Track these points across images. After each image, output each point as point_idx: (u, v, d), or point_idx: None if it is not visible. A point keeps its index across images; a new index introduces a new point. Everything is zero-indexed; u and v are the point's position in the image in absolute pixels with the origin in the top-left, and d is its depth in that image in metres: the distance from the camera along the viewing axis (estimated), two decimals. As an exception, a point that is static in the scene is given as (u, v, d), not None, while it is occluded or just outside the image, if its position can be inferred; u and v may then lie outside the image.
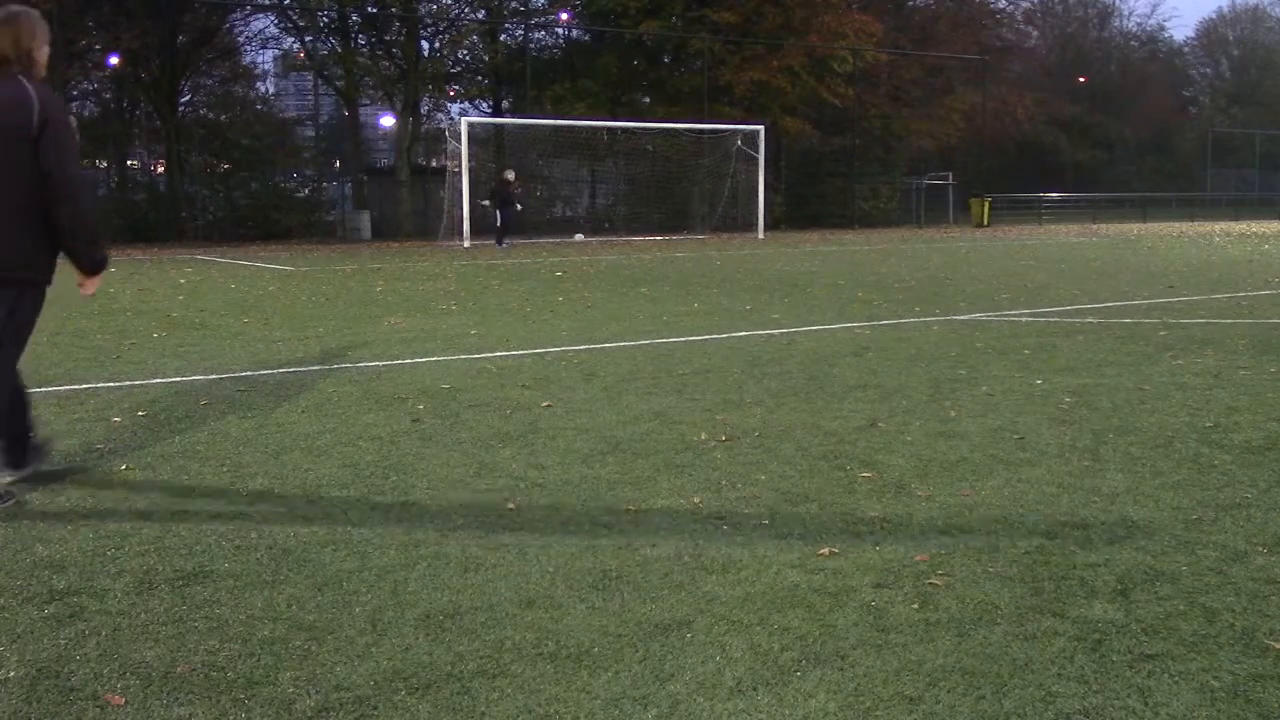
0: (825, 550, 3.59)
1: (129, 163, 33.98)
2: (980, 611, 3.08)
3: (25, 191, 4.14)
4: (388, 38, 34.90)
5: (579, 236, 30.31)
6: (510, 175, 26.49)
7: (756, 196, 31.65)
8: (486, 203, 26.82)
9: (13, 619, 3.06)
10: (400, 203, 34.03)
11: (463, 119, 28.68)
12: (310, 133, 37.46)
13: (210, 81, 35.33)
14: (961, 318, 10.26)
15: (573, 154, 34.37)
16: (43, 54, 4.34)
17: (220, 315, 10.81)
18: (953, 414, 5.75)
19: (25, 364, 7.54)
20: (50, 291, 4.36)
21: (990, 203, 40.70)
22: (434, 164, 37.07)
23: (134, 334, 9.32)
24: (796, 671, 2.71)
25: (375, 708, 2.54)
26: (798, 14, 35.74)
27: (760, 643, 2.88)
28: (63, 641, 2.90)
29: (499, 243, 25.35)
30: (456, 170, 26.93)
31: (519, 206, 27.29)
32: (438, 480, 4.49)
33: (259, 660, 2.79)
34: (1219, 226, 38.32)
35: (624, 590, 3.25)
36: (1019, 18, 58.85)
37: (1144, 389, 6.44)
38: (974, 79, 44.64)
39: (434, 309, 11.37)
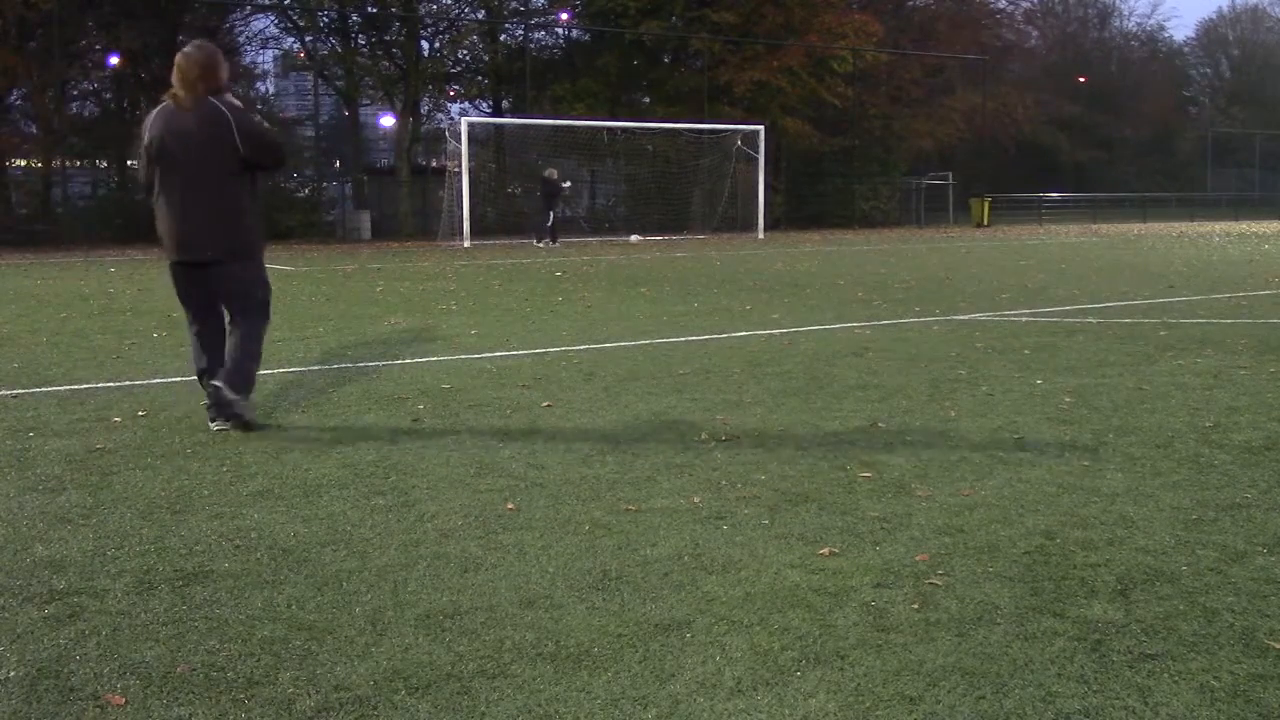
0: (825, 550, 3.59)
1: (129, 163, 33.86)
2: (980, 611, 3.08)
3: (235, 189, 5.27)
4: (388, 38, 34.90)
5: (634, 237, 29.95)
6: (554, 173, 26.74)
7: (756, 196, 31.63)
8: (567, 185, 27.39)
9: (13, 619, 3.06)
10: (400, 203, 34.01)
11: (463, 119, 28.68)
12: (310, 133, 37.44)
13: (210, 81, 35.25)
14: (961, 318, 10.26)
15: (573, 154, 34.35)
16: (225, 75, 5.41)
17: (220, 315, 10.80)
18: (953, 414, 5.75)
19: (23, 364, 7.53)
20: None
21: (990, 203, 40.70)
22: (434, 164, 37.06)
23: (134, 334, 9.33)
24: (796, 671, 2.71)
25: (375, 708, 2.54)
26: (797, 14, 35.73)
27: (760, 643, 2.88)
28: (63, 641, 2.90)
29: (553, 240, 25.79)
30: (456, 170, 26.92)
31: (567, 184, 27.46)
32: (438, 480, 4.49)
33: (259, 660, 2.79)
34: (1219, 226, 38.33)
35: (624, 590, 3.25)
36: (1019, 18, 58.89)
37: (1144, 389, 6.44)
38: (974, 79, 44.63)
39: (434, 309, 11.37)
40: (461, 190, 26.30)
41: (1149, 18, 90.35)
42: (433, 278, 15.88)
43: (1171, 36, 77.33)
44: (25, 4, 26.27)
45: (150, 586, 3.30)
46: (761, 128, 31.52)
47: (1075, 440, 5.14)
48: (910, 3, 47.12)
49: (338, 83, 34.99)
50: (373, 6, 34.24)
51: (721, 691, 2.61)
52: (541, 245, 25.43)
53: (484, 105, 38.53)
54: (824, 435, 5.27)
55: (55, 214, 28.85)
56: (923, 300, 11.90)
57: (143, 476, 4.57)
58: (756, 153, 31.22)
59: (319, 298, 12.68)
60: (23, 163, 31.47)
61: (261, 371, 7.26)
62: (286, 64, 41.36)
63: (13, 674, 2.71)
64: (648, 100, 38.33)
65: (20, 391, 6.60)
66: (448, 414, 5.83)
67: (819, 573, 3.39)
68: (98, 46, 31.01)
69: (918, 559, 3.50)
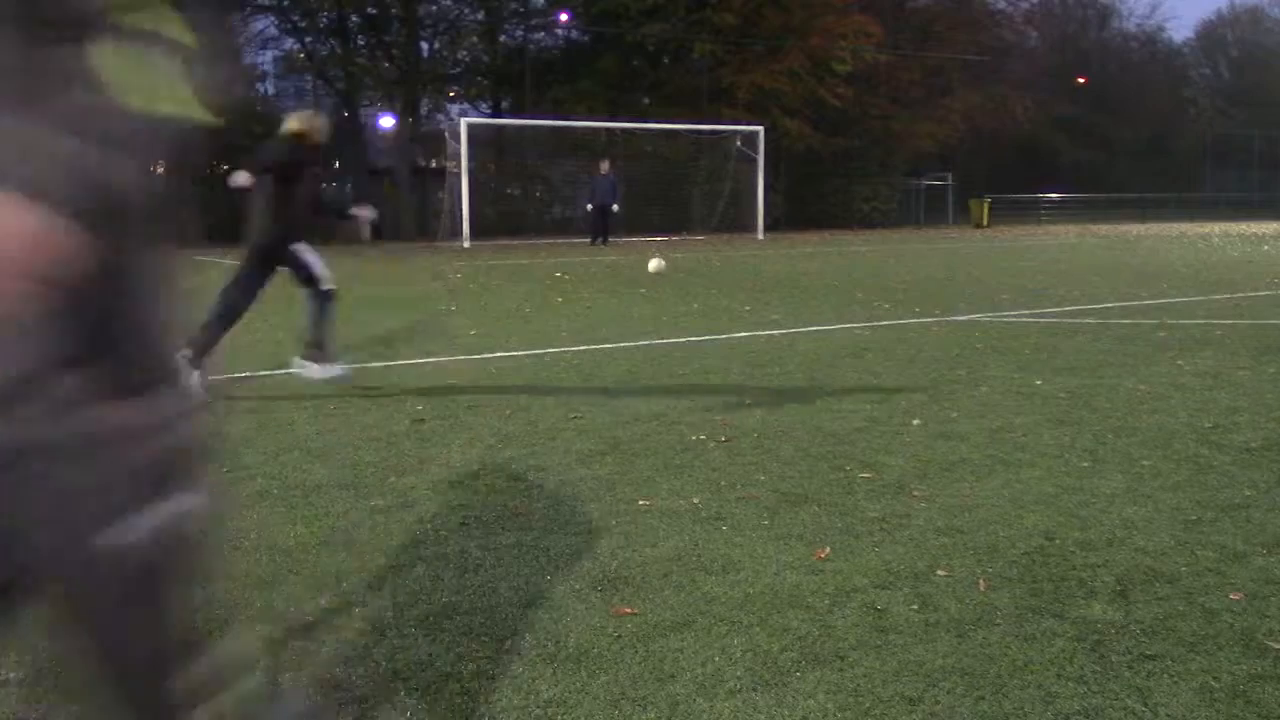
0: (825, 550, 3.59)
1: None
2: (980, 612, 3.08)
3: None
4: (387, 39, 34.90)
5: (653, 264, 29.16)
6: (604, 166, 26.50)
7: (756, 197, 31.64)
8: (616, 208, 26.38)
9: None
10: (400, 203, 34.01)
11: (462, 120, 28.68)
12: (310, 133, 37.38)
13: (210, 82, 35.29)
14: (961, 318, 10.26)
15: (572, 155, 34.36)
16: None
17: (220, 316, 10.79)
18: (953, 414, 5.75)
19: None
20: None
21: (990, 203, 40.70)
22: (434, 165, 37.06)
23: (134, 334, 9.32)
24: (796, 672, 2.71)
25: (375, 708, 2.54)
26: (798, 15, 35.76)
27: (760, 643, 2.88)
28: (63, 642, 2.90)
29: (604, 240, 25.57)
30: (456, 171, 26.92)
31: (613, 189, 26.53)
32: (438, 480, 4.49)
33: (259, 660, 2.78)
34: (1218, 227, 38.32)
35: (624, 590, 3.25)
36: (1018, 19, 58.88)
37: (1143, 389, 6.44)
38: (974, 80, 44.62)
39: (434, 309, 11.37)
40: (461, 190, 26.30)
41: (1148, 18, 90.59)
42: (433, 278, 15.89)
43: (1171, 37, 77.31)
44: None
45: (150, 587, 3.30)
46: (761, 129, 31.53)
47: (1075, 440, 5.14)
48: (910, 3, 47.11)
49: (337, 84, 34.99)
50: (372, 7, 34.23)
51: (721, 692, 2.61)
52: (604, 244, 25.35)
53: (484, 106, 38.54)
54: (824, 435, 5.27)
55: (55, 215, 28.81)
56: (923, 301, 11.90)
57: (142, 477, 4.57)
58: (756, 154, 31.22)
59: (319, 298, 12.67)
60: (22, 163, 31.46)
61: (262, 372, 7.28)
62: (287, 66, 41.34)
63: (13, 674, 2.71)
64: (648, 101, 38.31)
65: (20, 392, 6.59)
66: (447, 414, 5.83)
67: (818, 573, 3.39)
68: (97, 47, 30.97)
69: (917, 559, 3.50)
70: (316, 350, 6.62)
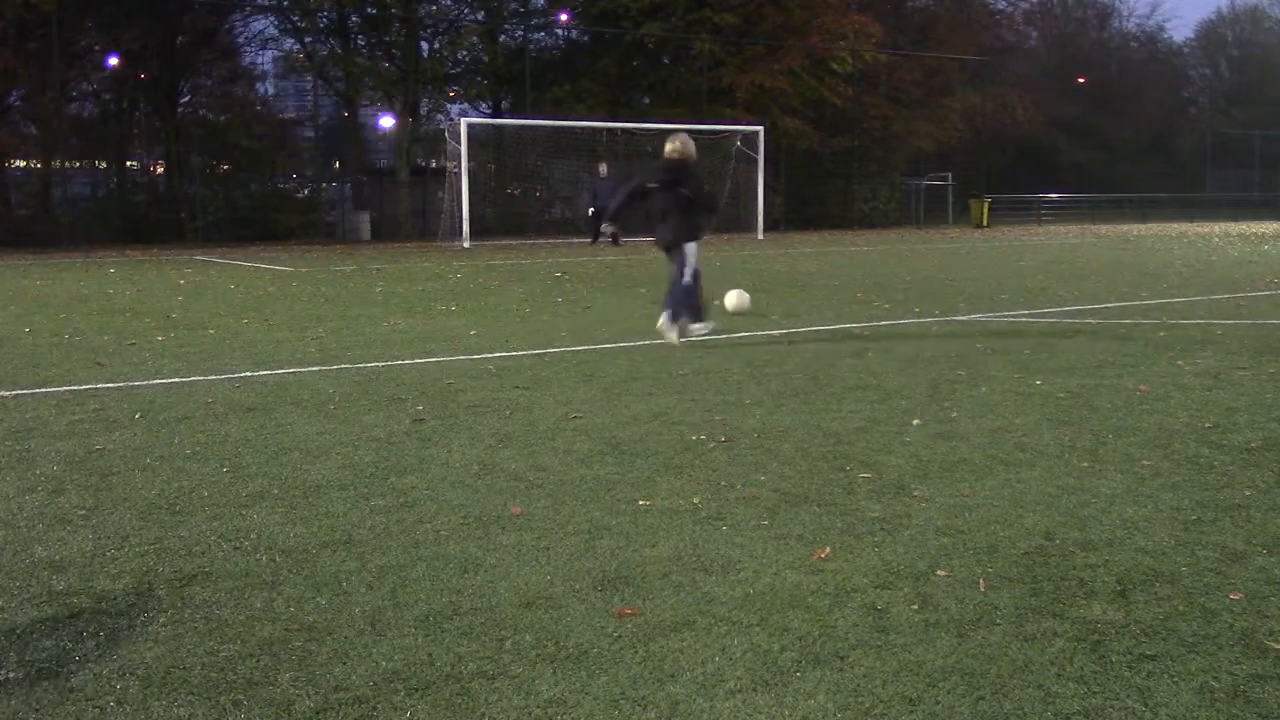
0: (825, 550, 3.59)
1: (128, 163, 33.93)
2: (980, 612, 3.08)
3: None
4: (388, 38, 34.88)
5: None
6: (604, 169, 26.49)
7: (756, 197, 31.63)
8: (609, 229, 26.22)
9: (13, 619, 3.06)
10: (400, 203, 34.01)
11: (462, 120, 28.65)
12: (310, 133, 37.43)
13: (210, 82, 35.31)
14: (961, 318, 10.26)
15: (572, 155, 34.33)
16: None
17: (220, 316, 10.81)
18: (953, 414, 5.75)
19: (23, 364, 7.55)
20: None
21: (990, 203, 40.68)
22: (433, 165, 37.04)
23: (134, 334, 9.33)
24: (796, 672, 2.71)
25: (375, 708, 2.54)
26: (797, 15, 35.76)
27: (760, 643, 2.88)
28: (62, 642, 2.90)
29: (605, 238, 25.52)
30: (456, 171, 26.90)
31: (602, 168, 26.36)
32: (438, 480, 4.49)
33: (259, 660, 2.79)
34: (1218, 227, 38.32)
35: (624, 590, 3.25)
36: (1018, 19, 58.90)
37: (1144, 389, 6.44)
38: (973, 80, 44.61)
39: (434, 309, 11.36)
40: (461, 191, 26.29)
41: (1148, 18, 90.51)
42: (432, 278, 15.88)
43: (1171, 37, 77.13)
44: (25, 5, 26.25)
45: (150, 588, 3.30)
46: (761, 128, 31.52)
47: (1075, 440, 5.14)
48: (910, 3, 47.10)
49: (337, 84, 34.98)
50: (372, 7, 34.21)
51: (721, 692, 2.61)
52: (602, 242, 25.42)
53: (484, 106, 38.52)
54: (824, 435, 5.27)
55: (55, 215, 28.84)
56: (922, 301, 11.90)
57: (142, 477, 4.57)
58: (756, 153, 31.21)
59: (318, 299, 12.68)
60: (23, 163, 31.48)
61: (262, 372, 7.29)
62: (287, 66, 41.39)
63: (13, 674, 2.71)
64: (648, 101, 38.30)
65: (20, 391, 6.60)
66: (448, 414, 5.83)
67: (819, 573, 3.39)
68: (97, 47, 31.00)
69: (917, 559, 3.49)
70: (694, 313, 8.79)
